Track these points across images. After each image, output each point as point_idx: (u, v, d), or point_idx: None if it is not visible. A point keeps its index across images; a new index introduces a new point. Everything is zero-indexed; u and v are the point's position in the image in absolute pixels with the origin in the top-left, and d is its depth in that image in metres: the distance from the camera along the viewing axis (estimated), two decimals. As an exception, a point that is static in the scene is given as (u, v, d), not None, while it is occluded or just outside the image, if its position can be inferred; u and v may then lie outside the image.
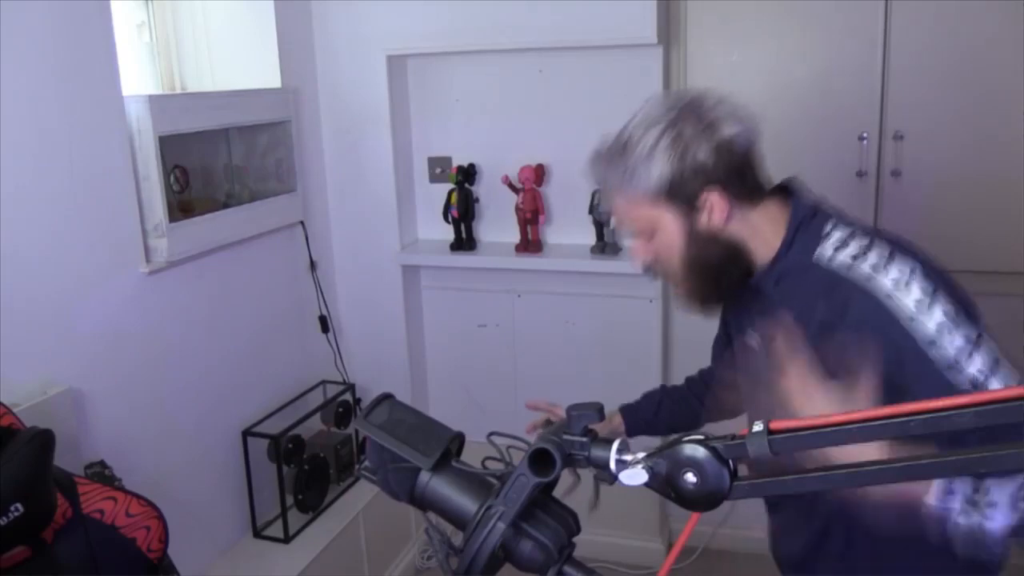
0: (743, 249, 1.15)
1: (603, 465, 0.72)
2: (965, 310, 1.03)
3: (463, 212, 2.60)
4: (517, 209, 2.56)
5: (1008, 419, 0.57)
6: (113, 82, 1.80)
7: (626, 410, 1.54)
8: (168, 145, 1.94)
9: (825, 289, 1.08)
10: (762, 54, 2.42)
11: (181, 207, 2.05)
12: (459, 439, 0.81)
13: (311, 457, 2.34)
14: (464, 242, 2.64)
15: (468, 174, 2.60)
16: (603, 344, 2.65)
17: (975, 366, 0.99)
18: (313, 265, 2.56)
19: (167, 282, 1.98)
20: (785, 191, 1.19)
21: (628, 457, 0.71)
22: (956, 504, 0.92)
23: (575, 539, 0.77)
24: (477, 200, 2.65)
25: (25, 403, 1.54)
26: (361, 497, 2.47)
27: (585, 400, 0.75)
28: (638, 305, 2.57)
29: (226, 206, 2.19)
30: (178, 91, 2.39)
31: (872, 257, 1.06)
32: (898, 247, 1.08)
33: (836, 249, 1.10)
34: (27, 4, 1.59)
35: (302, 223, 2.49)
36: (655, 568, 2.69)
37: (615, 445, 0.72)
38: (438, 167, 2.70)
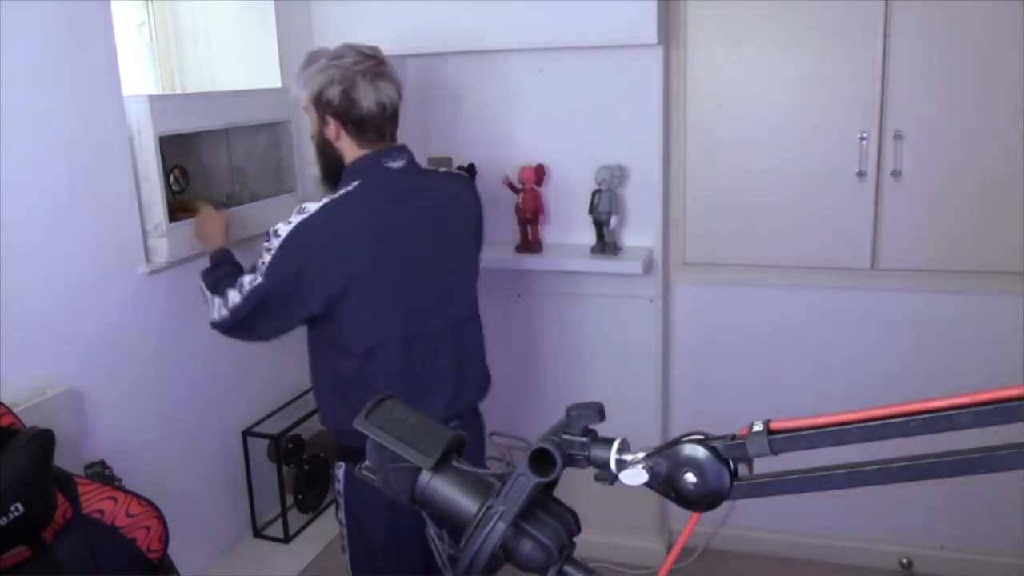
0: (341, 163, 1.72)
1: (603, 465, 0.72)
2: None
3: (463, 212, 2.60)
4: (517, 209, 2.56)
5: (1008, 419, 0.57)
6: (113, 82, 1.80)
7: None
8: (168, 145, 1.94)
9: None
10: (762, 54, 2.42)
11: (181, 207, 2.05)
12: (459, 439, 0.82)
13: (311, 457, 2.34)
14: (464, 242, 2.63)
15: (468, 174, 2.60)
16: (603, 344, 2.64)
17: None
18: (313, 265, 2.55)
19: (167, 282, 1.97)
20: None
21: (628, 457, 0.72)
22: None
23: (575, 539, 0.77)
24: (477, 200, 2.64)
25: (25, 403, 1.53)
26: (361, 497, 2.46)
27: (585, 400, 0.74)
28: (638, 305, 2.57)
29: (226, 206, 2.19)
30: (178, 91, 2.38)
31: (330, 203, 1.63)
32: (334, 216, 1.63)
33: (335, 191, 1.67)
34: (27, 4, 1.59)
35: (302, 223, 2.49)
36: (655, 568, 2.69)
37: (615, 445, 0.72)
38: (438, 167, 2.69)
